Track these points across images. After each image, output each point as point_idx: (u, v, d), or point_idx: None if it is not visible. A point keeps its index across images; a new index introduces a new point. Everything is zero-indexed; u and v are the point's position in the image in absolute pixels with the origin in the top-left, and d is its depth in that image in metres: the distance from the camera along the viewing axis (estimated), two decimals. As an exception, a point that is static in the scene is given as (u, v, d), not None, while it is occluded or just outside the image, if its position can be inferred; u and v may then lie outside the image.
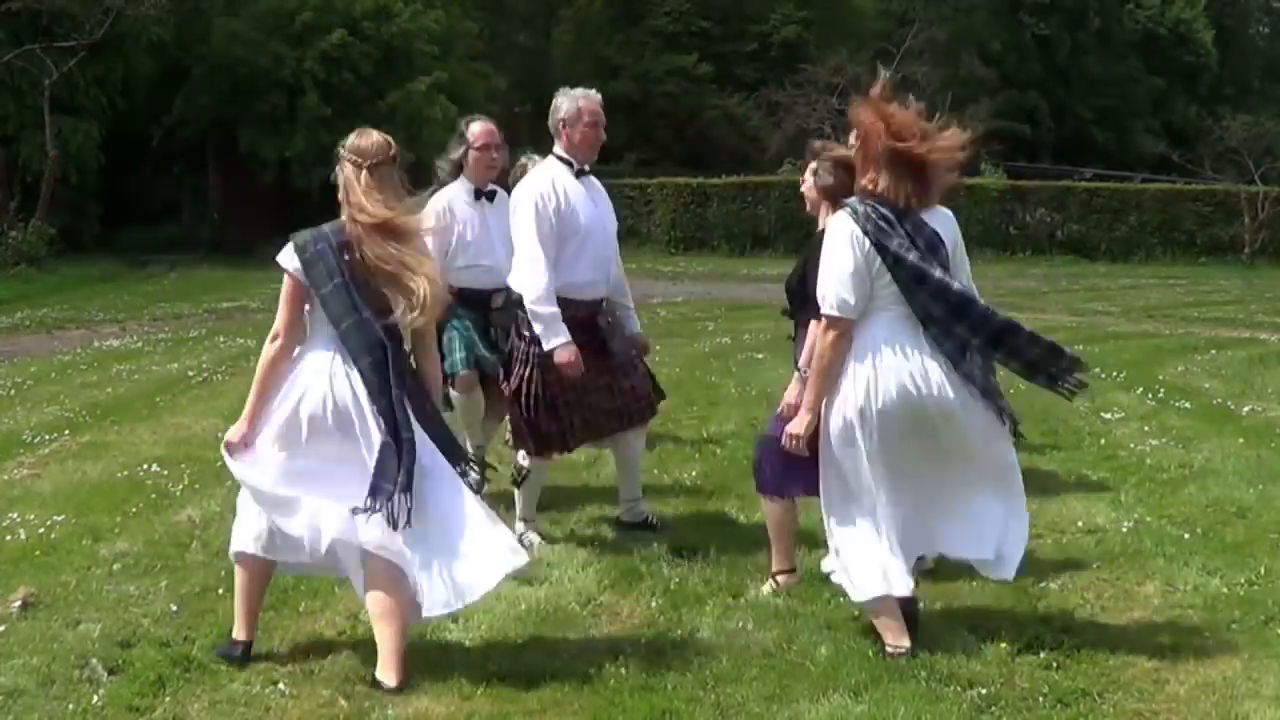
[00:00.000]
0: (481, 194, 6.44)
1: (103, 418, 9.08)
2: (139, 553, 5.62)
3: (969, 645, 4.50)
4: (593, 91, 6.01)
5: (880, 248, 4.34)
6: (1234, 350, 13.79)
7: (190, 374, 11.34)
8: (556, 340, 5.51)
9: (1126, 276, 26.93)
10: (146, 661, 4.32)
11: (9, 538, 5.89)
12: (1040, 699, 4.06)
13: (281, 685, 4.15)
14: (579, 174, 5.89)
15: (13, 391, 10.33)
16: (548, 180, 5.75)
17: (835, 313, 4.37)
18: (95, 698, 4.03)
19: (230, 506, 6.37)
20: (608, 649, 4.48)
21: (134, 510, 6.41)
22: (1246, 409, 9.63)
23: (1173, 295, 21.93)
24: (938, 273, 4.36)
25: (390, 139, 4.39)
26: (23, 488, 6.95)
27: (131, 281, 23.86)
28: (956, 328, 4.37)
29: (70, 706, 3.98)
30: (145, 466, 7.37)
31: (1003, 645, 4.49)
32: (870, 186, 4.46)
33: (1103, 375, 11.32)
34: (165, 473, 7.21)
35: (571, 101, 5.86)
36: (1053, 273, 26.41)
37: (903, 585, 4.42)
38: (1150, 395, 10.21)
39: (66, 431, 8.53)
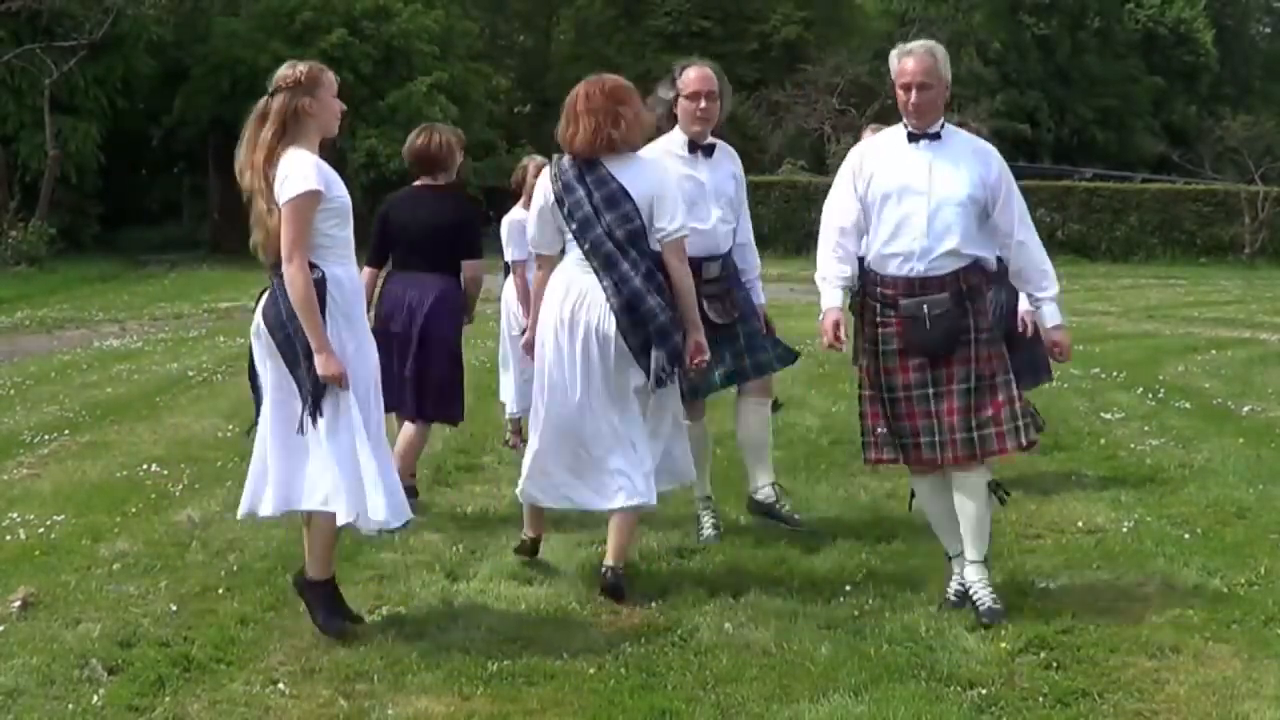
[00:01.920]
0: (698, 147, 5.72)
1: (103, 418, 9.08)
2: (139, 553, 5.62)
3: (969, 645, 4.51)
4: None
5: (559, 200, 5.03)
6: (1234, 350, 13.79)
7: (190, 374, 11.34)
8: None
9: (1126, 276, 26.94)
10: (146, 661, 4.32)
11: (9, 538, 5.89)
12: (1040, 699, 4.06)
13: (281, 685, 4.15)
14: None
15: (13, 391, 10.33)
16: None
17: (532, 248, 5.47)
18: (95, 698, 4.02)
19: (229, 506, 6.40)
20: (608, 649, 4.49)
21: (134, 510, 6.41)
22: (1246, 409, 9.63)
23: (1173, 295, 21.93)
24: (598, 228, 4.94)
25: None
26: (23, 488, 6.95)
27: (131, 281, 23.88)
28: (612, 277, 4.95)
29: (70, 706, 3.97)
30: (145, 466, 7.37)
31: (1003, 645, 4.49)
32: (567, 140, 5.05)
33: (1103, 375, 11.33)
34: (165, 473, 7.21)
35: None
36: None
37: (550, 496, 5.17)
38: (1150, 395, 10.21)
39: (66, 431, 8.53)
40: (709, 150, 5.73)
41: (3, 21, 26.44)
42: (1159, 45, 47.17)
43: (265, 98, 4.49)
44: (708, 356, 5.14)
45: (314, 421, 4.41)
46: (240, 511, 4.73)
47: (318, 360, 4.36)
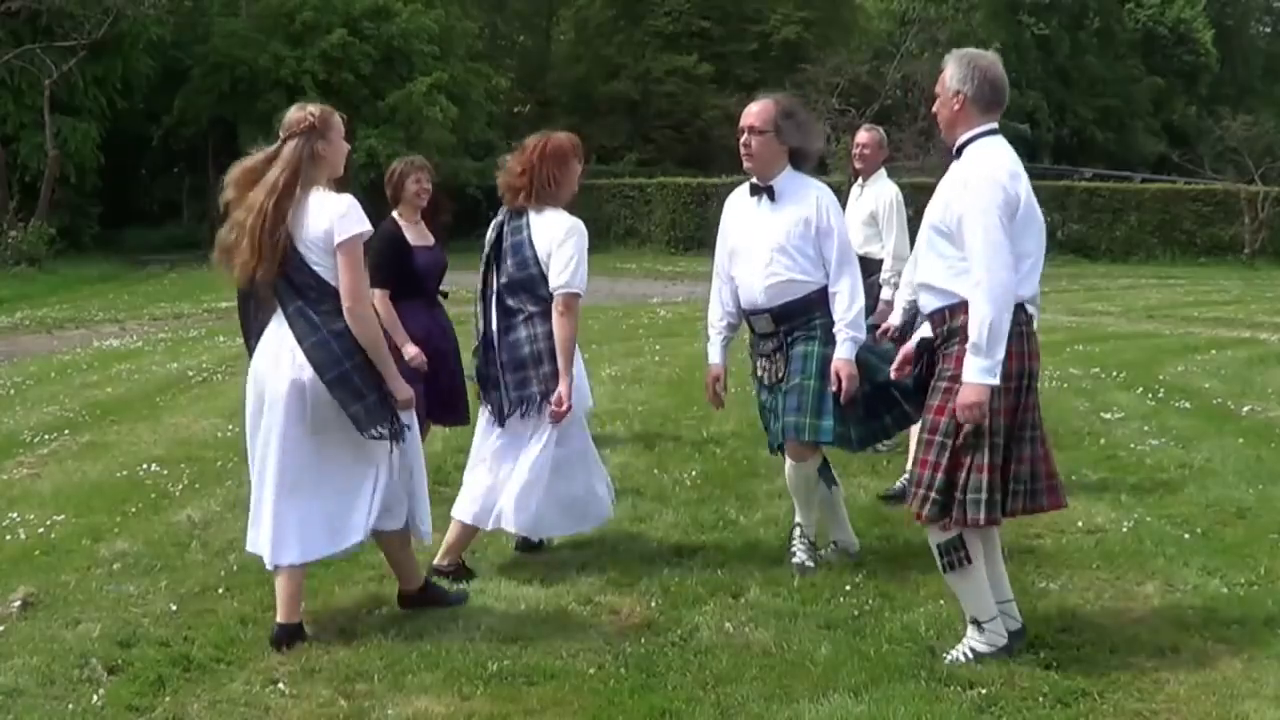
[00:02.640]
0: (760, 190, 5.41)
1: (103, 418, 9.08)
2: (139, 553, 5.62)
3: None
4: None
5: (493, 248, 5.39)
6: (1234, 350, 13.79)
7: (190, 374, 11.34)
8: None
9: (1126, 276, 26.96)
10: (146, 661, 4.32)
11: (9, 538, 5.89)
12: (1040, 699, 4.06)
13: (281, 685, 4.15)
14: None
15: (13, 391, 10.33)
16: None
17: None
18: (95, 698, 4.03)
19: (229, 506, 6.41)
20: (608, 649, 4.49)
21: (134, 510, 6.41)
22: (1246, 409, 9.63)
23: (1173, 295, 21.94)
24: (494, 275, 5.31)
25: None
26: (23, 488, 6.95)
27: (131, 281, 23.89)
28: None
29: (70, 706, 3.97)
30: (145, 466, 7.37)
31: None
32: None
33: (1103, 375, 11.33)
34: (165, 473, 7.21)
35: None
36: (1053, 273, 26.34)
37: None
38: (1150, 395, 10.21)
39: (66, 431, 8.53)
40: (770, 192, 5.36)
41: (3, 21, 26.45)
42: (1159, 45, 47.22)
43: (278, 143, 4.53)
44: (563, 409, 5.16)
45: (398, 445, 4.54)
46: (286, 560, 4.53)
47: (395, 388, 4.51)
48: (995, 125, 4.41)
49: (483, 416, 5.48)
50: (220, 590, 5.09)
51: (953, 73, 4.38)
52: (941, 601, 4.88)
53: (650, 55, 39.02)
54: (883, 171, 7.82)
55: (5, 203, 25.43)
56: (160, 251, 30.81)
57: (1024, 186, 4.31)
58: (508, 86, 36.37)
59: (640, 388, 10.48)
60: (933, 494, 4.26)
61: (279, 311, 4.51)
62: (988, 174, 4.25)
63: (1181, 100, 47.06)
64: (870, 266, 7.31)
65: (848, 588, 5.15)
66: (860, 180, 7.74)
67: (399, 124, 29.20)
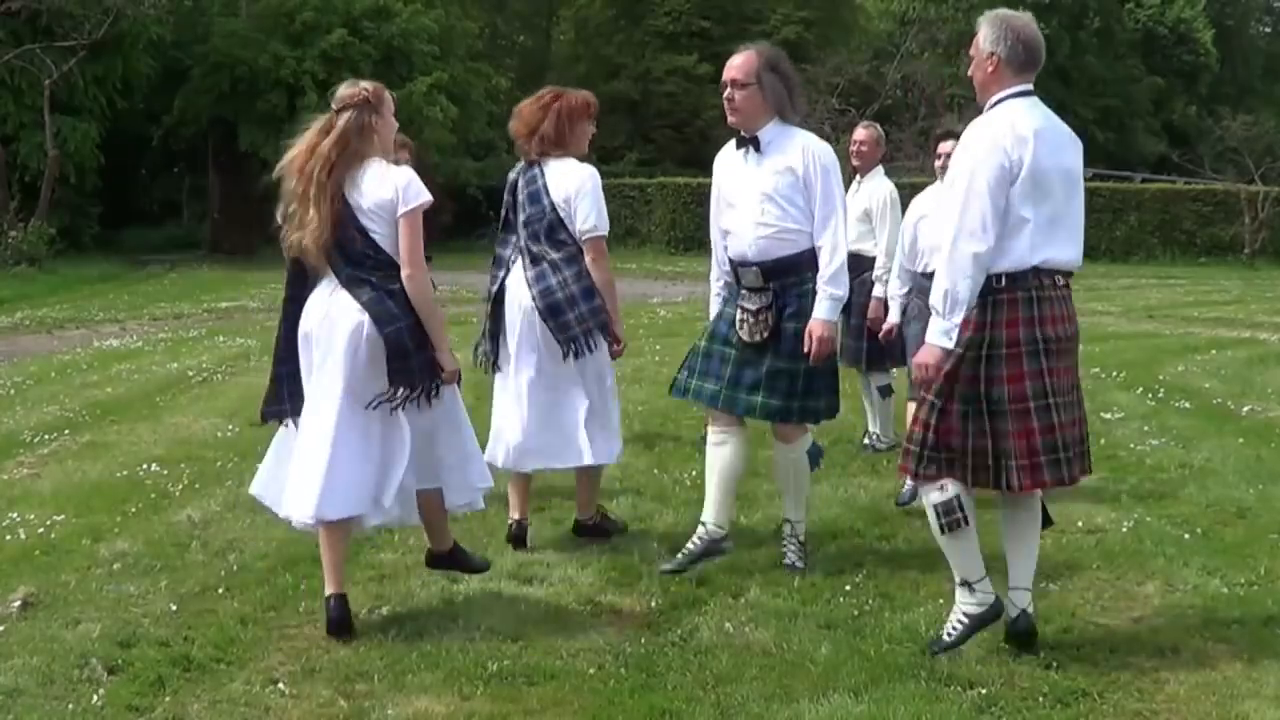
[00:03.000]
0: (745, 141, 5.32)
1: (103, 418, 9.08)
2: (139, 553, 5.62)
3: (969, 645, 4.50)
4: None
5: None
6: (1234, 350, 13.79)
7: (190, 374, 11.34)
8: None
9: (1126, 276, 26.94)
10: (146, 661, 4.32)
11: (9, 538, 5.89)
12: (1040, 699, 4.06)
13: (281, 685, 4.15)
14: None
15: (13, 391, 10.33)
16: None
17: None
18: (95, 698, 4.02)
19: (229, 506, 6.41)
20: (608, 649, 4.49)
21: (134, 510, 6.40)
22: (1246, 409, 9.63)
23: (1173, 295, 21.93)
24: (516, 227, 5.64)
25: None
26: (23, 488, 6.94)
27: (131, 281, 23.88)
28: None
29: (70, 706, 3.97)
30: (145, 466, 7.37)
31: (1003, 645, 4.49)
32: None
33: (1103, 375, 11.33)
34: (165, 473, 7.21)
35: None
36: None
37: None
38: (1150, 395, 10.21)
39: (66, 431, 8.53)
40: (755, 144, 5.29)
41: (3, 21, 26.44)
42: (1159, 45, 47.20)
43: (330, 113, 4.69)
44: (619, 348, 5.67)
45: (429, 403, 4.68)
46: (334, 514, 4.62)
47: (443, 357, 4.67)
48: (1029, 86, 4.35)
49: (504, 382, 5.72)
50: (220, 590, 5.09)
51: (986, 34, 4.34)
52: (941, 601, 4.88)
53: (650, 55, 39.02)
54: (880, 169, 7.85)
55: (5, 203, 25.42)
56: (160, 251, 30.83)
57: (1031, 151, 4.20)
58: (508, 86, 36.32)
59: (640, 388, 10.49)
60: (926, 451, 4.32)
61: (329, 278, 4.65)
62: (989, 137, 4.23)
63: (1181, 100, 47.03)
64: (863, 263, 7.33)
65: (848, 588, 5.15)
66: (857, 178, 7.76)
67: (399, 124, 29.19)
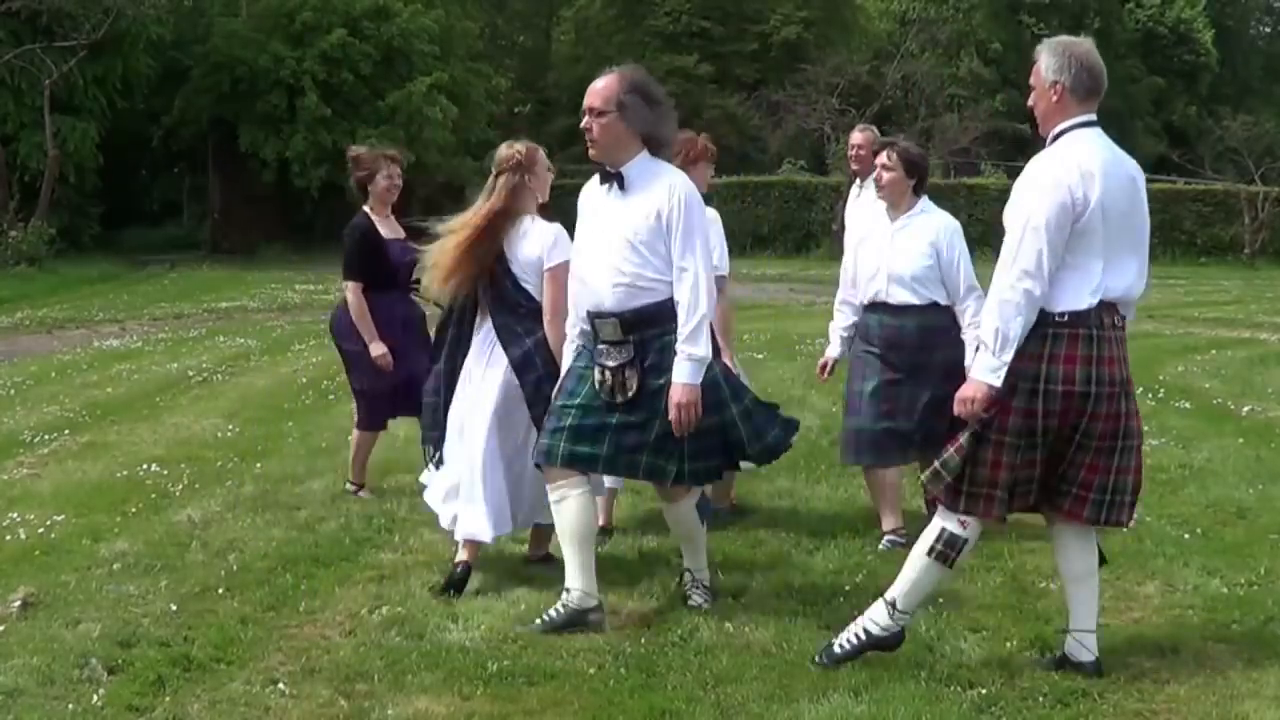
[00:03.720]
0: (609, 176, 4.78)
1: (103, 418, 9.08)
2: (139, 553, 5.62)
3: (969, 645, 4.51)
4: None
5: None
6: (1234, 350, 13.80)
7: (190, 374, 11.34)
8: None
9: (1126, 276, 26.87)
10: (146, 661, 4.32)
11: (9, 538, 5.89)
12: (1040, 699, 4.06)
13: (281, 685, 4.15)
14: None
15: (13, 391, 10.33)
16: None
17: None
18: (95, 698, 4.02)
19: (229, 506, 6.42)
20: (608, 649, 4.49)
21: (134, 510, 6.41)
22: (1246, 409, 9.63)
23: (1173, 295, 21.92)
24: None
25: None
26: (23, 488, 6.95)
27: (131, 281, 23.88)
28: None
29: (70, 706, 3.97)
30: (145, 466, 7.37)
31: (1003, 645, 4.48)
32: None
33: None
34: (165, 473, 7.21)
35: None
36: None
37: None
38: (1150, 395, 10.20)
39: (66, 431, 8.53)
40: (620, 180, 4.72)
41: (3, 21, 26.43)
42: (1159, 45, 47.19)
43: (491, 176, 5.27)
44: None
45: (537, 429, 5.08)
46: (493, 534, 5.25)
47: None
48: (1093, 116, 4.19)
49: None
50: (220, 590, 5.09)
51: (1048, 62, 4.16)
52: (941, 600, 4.88)
53: (650, 55, 38.95)
54: None
55: (5, 203, 25.41)
56: (160, 251, 30.79)
57: (1099, 188, 4.05)
58: (508, 86, 36.36)
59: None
60: (968, 488, 4.19)
61: (488, 321, 5.27)
62: (1053, 173, 4.08)
63: (1181, 100, 47.04)
64: None
65: (847, 588, 5.15)
66: (859, 180, 7.76)
67: (399, 124, 29.15)
